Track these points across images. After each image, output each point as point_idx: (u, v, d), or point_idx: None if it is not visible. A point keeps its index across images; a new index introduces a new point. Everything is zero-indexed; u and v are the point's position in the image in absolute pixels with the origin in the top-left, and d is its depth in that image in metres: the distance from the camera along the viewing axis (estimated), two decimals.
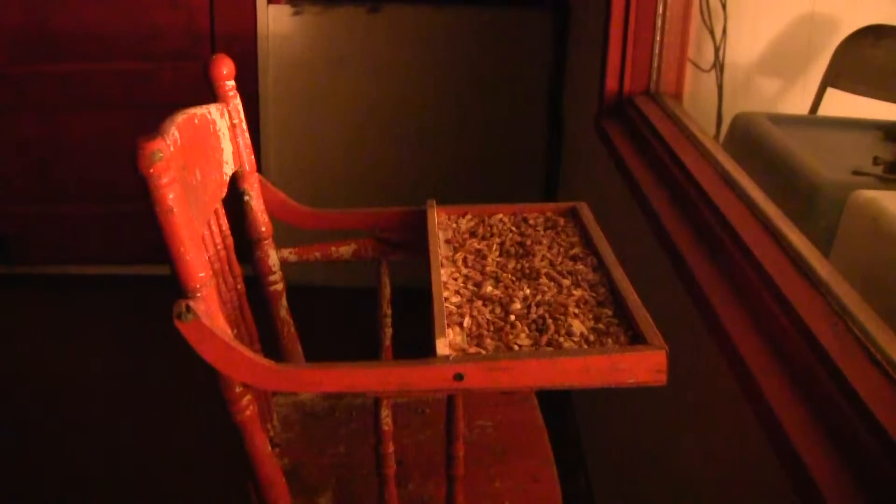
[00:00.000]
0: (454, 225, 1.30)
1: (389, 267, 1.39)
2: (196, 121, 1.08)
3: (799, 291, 1.00)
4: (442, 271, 1.12)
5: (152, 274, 2.97)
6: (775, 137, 1.82)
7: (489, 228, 1.28)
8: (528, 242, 1.22)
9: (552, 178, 2.98)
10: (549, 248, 1.20)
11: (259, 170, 1.32)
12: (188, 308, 0.90)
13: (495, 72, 2.92)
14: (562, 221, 1.29)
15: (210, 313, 0.92)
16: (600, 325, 0.99)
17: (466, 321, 1.00)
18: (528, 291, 1.07)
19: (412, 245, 1.36)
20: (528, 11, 2.85)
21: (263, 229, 1.32)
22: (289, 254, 1.36)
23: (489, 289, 1.08)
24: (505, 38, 2.89)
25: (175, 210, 0.89)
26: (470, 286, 1.09)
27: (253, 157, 1.30)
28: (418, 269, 1.18)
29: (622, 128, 1.80)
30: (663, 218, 1.35)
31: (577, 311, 1.02)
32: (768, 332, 1.00)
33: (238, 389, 0.99)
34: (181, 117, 1.01)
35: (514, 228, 1.27)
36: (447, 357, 0.92)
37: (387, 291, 1.37)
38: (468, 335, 0.98)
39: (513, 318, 1.01)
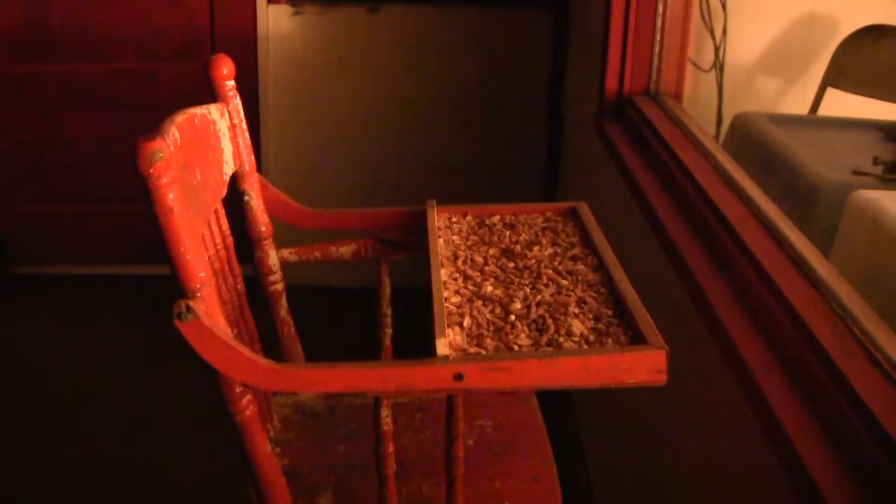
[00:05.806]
0: (454, 225, 1.30)
1: (389, 267, 1.39)
2: (196, 121, 1.08)
3: (799, 291, 1.00)
4: (442, 271, 1.12)
5: (152, 274, 2.97)
6: (775, 137, 1.82)
7: (489, 228, 1.28)
8: (528, 242, 1.22)
9: (552, 178, 2.98)
10: (549, 248, 1.20)
11: (259, 170, 1.32)
12: (188, 308, 0.90)
13: (495, 72, 2.92)
14: (562, 221, 1.29)
15: (210, 313, 0.92)
16: (600, 326, 0.99)
17: (466, 321, 1.00)
18: (528, 291, 1.07)
19: (412, 245, 1.36)
20: (528, 11, 2.85)
21: (263, 229, 1.32)
22: (289, 254, 1.36)
23: (489, 289, 1.08)
24: (505, 38, 2.89)
25: (175, 210, 0.89)
26: (470, 286, 1.09)
27: (253, 157, 1.30)
28: (418, 269, 1.18)
29: (622, 128, 1.80)
30: (663, 218, 1.35)
31: (577, 311, 1.02)
32: (768, 332, 1.00)
33: (238, 389, 0.99)
34: (181, 117, 1.01)
35: (513, 228, 1.27)
36: (447, 357, 0.92)
37: (387, 291, 1.37)
38: (468, 335, 0.98)
39: (513, 318, 1.01)
